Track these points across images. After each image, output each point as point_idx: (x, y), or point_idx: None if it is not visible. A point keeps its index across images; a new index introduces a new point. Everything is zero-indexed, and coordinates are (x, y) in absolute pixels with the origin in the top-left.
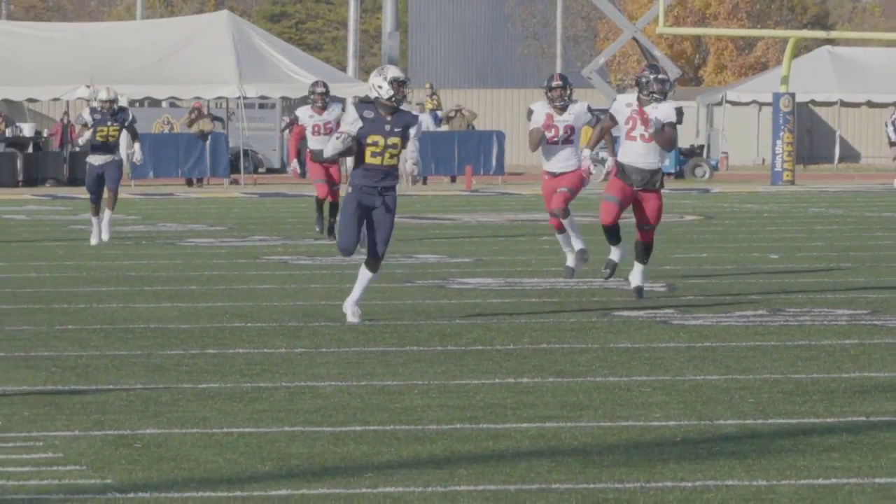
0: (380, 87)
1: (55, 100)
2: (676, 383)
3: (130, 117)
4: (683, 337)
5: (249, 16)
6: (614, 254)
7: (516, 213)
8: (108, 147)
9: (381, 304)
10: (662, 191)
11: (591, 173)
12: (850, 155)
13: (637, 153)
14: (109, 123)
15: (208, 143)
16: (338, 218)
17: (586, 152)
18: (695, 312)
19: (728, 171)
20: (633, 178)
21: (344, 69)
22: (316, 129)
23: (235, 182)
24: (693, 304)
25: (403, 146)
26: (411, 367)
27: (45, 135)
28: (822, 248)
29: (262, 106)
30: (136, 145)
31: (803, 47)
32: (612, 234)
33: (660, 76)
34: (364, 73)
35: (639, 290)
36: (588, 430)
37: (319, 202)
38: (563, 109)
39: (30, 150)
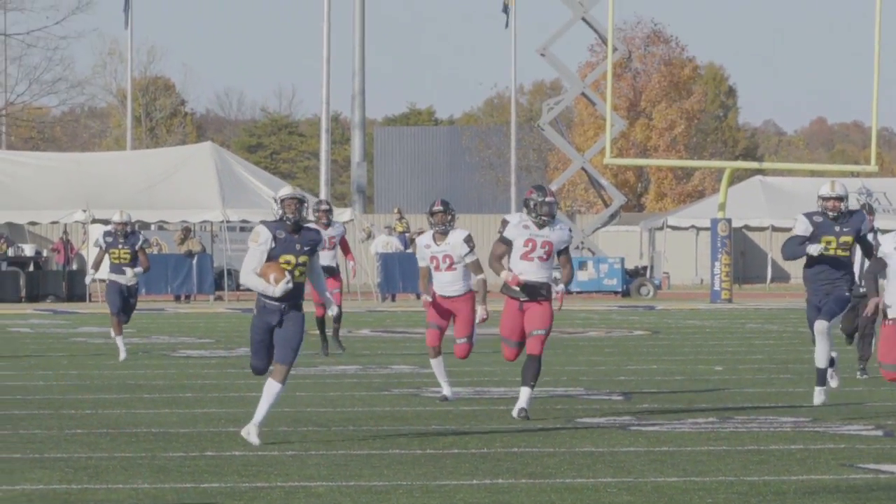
0: (273, 207)
1: (54, 223)
2: (640, 485)
3: (140, 241)
4: (642, 442)
5: (228, 146)
6: (523, 396)
7: (479, 328)
8: (125, 268)
9: (361, 411)
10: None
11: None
12: (780, 275)
13: (531, 271)
14: (121, 245)
15: (195, 262)
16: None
17: (506, 272)
18: (651, 419)
19: (670, 290)
20: (520, 293)
21: (317, 195)
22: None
23: (220, 298)
24: (648, 411)
25: (314, 262)
26: (395, 468)
27: (44, 254)
28: (762, 361)
29: (242, 228)
30: (138, 269)
31: (737, 177)
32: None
33: (547, 199)
34: (335, 199)
35: (522, 412)
36: None
37: (318, 320)
38: (443, 234)
39: (31, 268)
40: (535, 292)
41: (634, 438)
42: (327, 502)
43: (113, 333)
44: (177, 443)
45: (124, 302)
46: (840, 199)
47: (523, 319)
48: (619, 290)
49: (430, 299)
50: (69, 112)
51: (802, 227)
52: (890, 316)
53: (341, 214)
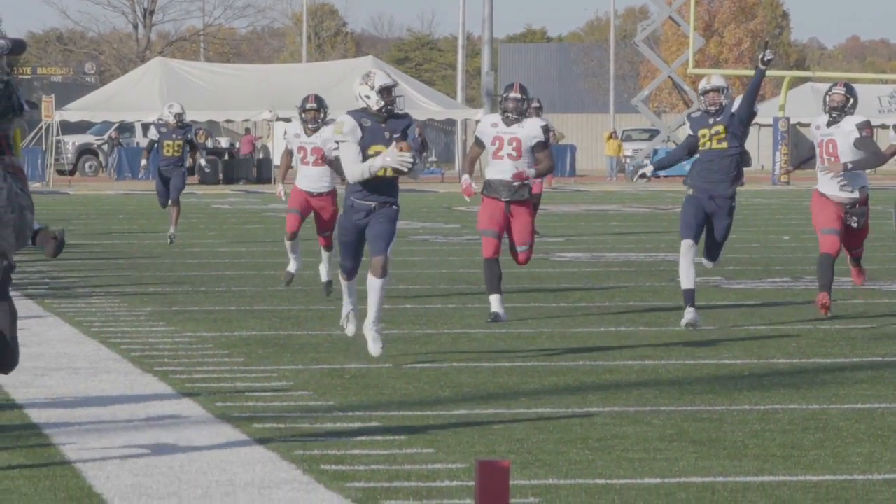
0: (367, 97)
1: (245, 120)
2: (736, 331)
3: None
4: (733, 297)
5: (381, 59)
6: (495, 304)
7: (588, 204)
8: None
9: (504, 272)
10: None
11: (472, 193)
12: None
13: (504, 170)
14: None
15: None
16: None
17: (465, 177)
18: (737, 279)
19: None
20: (500, 192)
21: (454, 97)
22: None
23: None
24: (734, 272)
25: None
26: (537, 319)
27: (237, 146)
28: None
29: None
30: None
31: (791, 84)
32: (493, 272)
33: (512, 94)
34: (468, 102)
35: (496, 316)
36: (678, 367)
37: None
38: (314, 131)
39: (226, 157)
40: (512, 191)
41: (726, 294)
42: (485, 345)
43: None
44: (359, 298)
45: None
46: (717, 90)
47: (505, 213)
48: None
49: (282, 192)
50: (253, 32)
51: (687, 128)
52: None
53: (475, 114)
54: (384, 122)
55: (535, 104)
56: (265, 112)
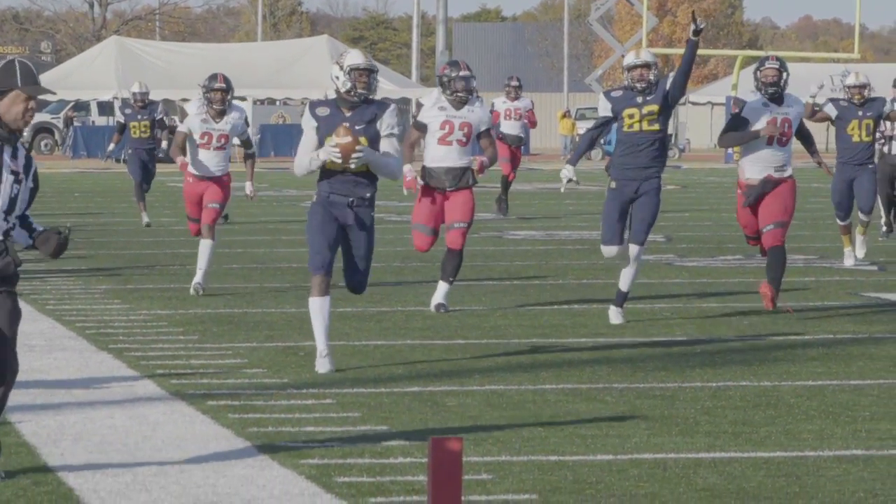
0: (337, 77)
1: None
2: (688, 309)
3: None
4: (685, 275)
5: (336, 38)
6: (440, 291)
7: (542, 182)
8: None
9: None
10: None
11: (416, 187)
12: None
13: (450, 157)
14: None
15: None
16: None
17: (407, 167)
18: (690, 256)
19: (691, 153)
20: (444, 181)
21: (409, 77)
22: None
23: None
24: (687, 250)
25: (374, 146)
26: (490, 296)
27: None
28: None
29: None
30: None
31: (744, 63)
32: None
33: (462, 73)
34: (422, 81)
35: (440, 307)
36: (630, 344)
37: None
38: (219, 113)
39: None
40: (457, 178)
41: (678, 272)
42: (439, 323)
43: None
44: None
45: None
46: (647, 66)
47: (443, 206)
48: None
49: (187, 160)
50: (209, 11)
51: (602, 108)
52: None
53: (430, 94)
54: (351, 109)
55: (514, 83)
56: None
